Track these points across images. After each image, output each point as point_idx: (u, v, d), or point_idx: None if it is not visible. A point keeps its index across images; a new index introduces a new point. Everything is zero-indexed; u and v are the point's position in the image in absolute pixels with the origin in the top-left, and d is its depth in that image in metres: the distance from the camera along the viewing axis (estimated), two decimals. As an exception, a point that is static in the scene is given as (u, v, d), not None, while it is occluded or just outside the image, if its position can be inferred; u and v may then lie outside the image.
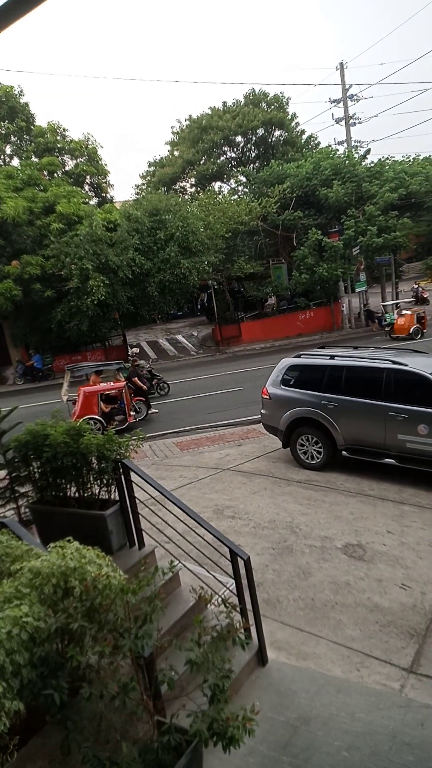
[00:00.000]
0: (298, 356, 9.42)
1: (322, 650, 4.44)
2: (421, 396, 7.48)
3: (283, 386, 9.11)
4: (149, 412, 13.85)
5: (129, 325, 28.92)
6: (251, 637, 4.01)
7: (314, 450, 8.69)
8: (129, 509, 4.48)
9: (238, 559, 3.94)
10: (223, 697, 2.59)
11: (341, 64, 31.59)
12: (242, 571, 3.96)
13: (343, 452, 8.40)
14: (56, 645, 2.63)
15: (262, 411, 9.54)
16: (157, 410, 14.19)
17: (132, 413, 13.37)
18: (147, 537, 4.62)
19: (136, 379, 14.07)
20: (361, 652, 4.38)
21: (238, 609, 3.10)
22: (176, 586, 4.42)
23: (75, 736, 2.56)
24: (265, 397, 9.38)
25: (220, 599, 3.10)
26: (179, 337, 32.31)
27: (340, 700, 3.74)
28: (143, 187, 38.55)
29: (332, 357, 8.81)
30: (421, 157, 32.22)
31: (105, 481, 4.53)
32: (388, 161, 29.43)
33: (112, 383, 13.41)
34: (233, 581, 4.00)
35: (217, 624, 2.94)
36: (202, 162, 36.63)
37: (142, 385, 14.03)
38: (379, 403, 7.87)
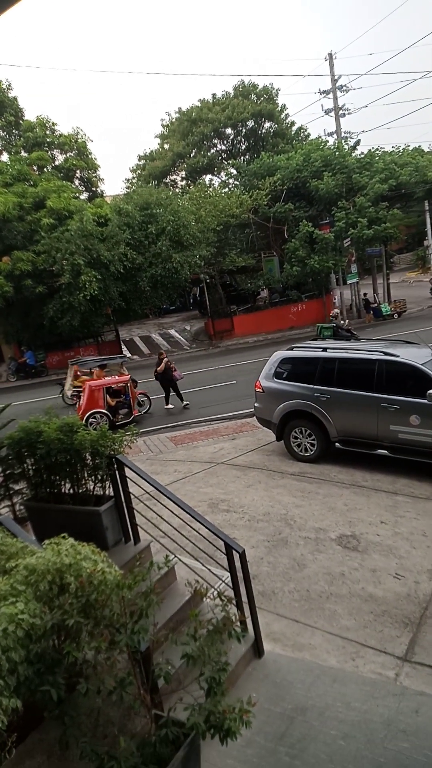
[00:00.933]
0: (291, 349, 9.44)
1: (317, 641, 4.48)
2: (413, 386, 7.52)
3: (276, 379, 9.13)
4: (184, 404, 13.87)
5: (121, 321, 28.83)
6: (247, 629, 4.03)
7: (308, 442, 8.73)
8: (124, 505, 4.49)
9: (234, 552, 3.96)
10: (219, 689, 2.62)
11: (330, 54, 31.46)
12: (237, 564, 3.98)
13: (337, 444, 8.44)
14: (52, 641, 2.64)
15: (256, 404, 9.56)
16: (188, 402, 14.06)
17: (136, 407, 13.56)
18: (142, 532, 4.63)
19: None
20: (356, 642, 4.42)
21: (233, 602, 3.13)
22: (172, 581, 4.44)
23: (73, 732, 2.57)
24: (258, 390, 9.40)
25: (215, 592, 3.12)
26: (172, 332, 32.25)
27: (336, 689, 3.78)
28: (134, 180, 38.36)
29: (324, 349, 8.83)
30: (410, 148, 32.20)
31: (99, 477, 4.53)
32: (378, 152, 29.40)
33: (116, 377, 13.55)
34: (229, 574, 4.02)
35: (213, 617, 2.96)
36: (192, 155, 36.47)
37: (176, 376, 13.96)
38: (372, 394, 7.91)
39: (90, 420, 12.46)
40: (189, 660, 2.67)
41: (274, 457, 9.20)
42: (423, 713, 3.53)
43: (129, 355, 18.50)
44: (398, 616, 4.70)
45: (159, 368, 13.65)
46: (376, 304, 28.90)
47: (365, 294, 30.00)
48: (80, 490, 4.61)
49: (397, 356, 7.89)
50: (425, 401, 7.25)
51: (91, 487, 4.60)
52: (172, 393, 13.95)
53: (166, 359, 13.73)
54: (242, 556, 3.98)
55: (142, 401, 14.08)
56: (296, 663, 4.12)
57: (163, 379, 13.78)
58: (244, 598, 4.00)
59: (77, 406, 13.07)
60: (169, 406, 13.94)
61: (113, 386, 13.15)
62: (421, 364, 7.58)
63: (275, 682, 3.87)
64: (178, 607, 4.09)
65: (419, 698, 3.70)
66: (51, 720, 2.71)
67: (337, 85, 31.71)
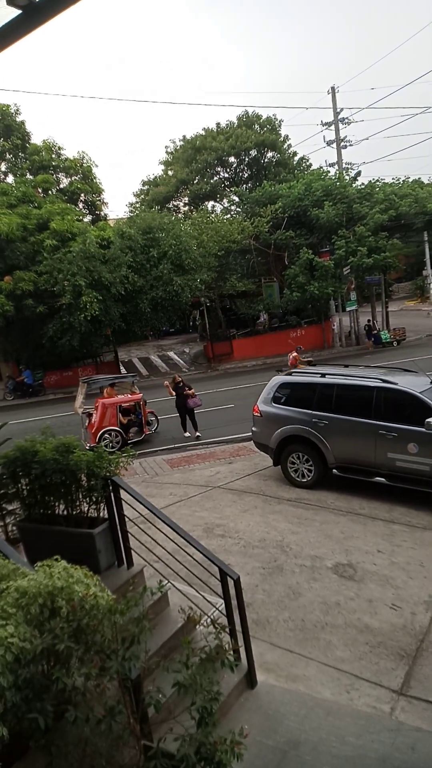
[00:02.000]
0: (290, 374, 9.46)
1: (311, 672, 4.39)
2: (411, 414, 7.52)
3: (274, 404, 9.13)
4: (196, 435, 13.04)
5: (121, 342, 28.96)
6: (240, 658, 3.96)
7: (305, 468, 8.68)
8: (118, 527, 4.44)
9: (228, 578, 3.91)
10: (211, 720, 2.55)
11: (333, 88, 32.34)
12: (232, 591, 3.93)
13: (334, 470, 8.40)
14: (42, 666, 2.59)
15: (253, 428, 9.54)
16: (200, 434, 13.16)
17: (146, 426, 13.64)
18: (136, 556, 4.58)
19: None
20: (351, 674, 4.33)
21: (227, 630, 3.07)
22: (165, 607, 4.37)
23: (59, 763, 2.50)
24: (256, 414, 9.39)
25: (209, 620, 3.07)
26: (171, 354, 32.35)
27: (330, 723, 3.69)
28: (137, 205, 38.94)
29: (323, 375, 8.86)
30: (410, 180, 32.87)
31: (94, 499, 4.49)
32: (378, 183, 30.00)
33: (128, 395, 13.61)
34: (223, 601, 3.96)
35: (206, 645, 2.91)
36: (195, 181, 37.14)
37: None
38: (370, 421, 7.90)
39: (104, 437, 12.61)
40: (180, 689, 2.61)
41: (270, 482, 9.15)
42: (419, 750, 3.44)
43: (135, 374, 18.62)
44: (394, 648, 4.61)
45: (169, 390, 12.98)
46: (376, 331, 29.14)
47: (368, 321, 30.24)
48: (74, 512, 4.57)
49: (396, 384, 7.91)
50: (423, 429, 7.24)
51: (86, 509, 4.55)
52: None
53: (179, 381, 13.01)
54: (237, 583, 3.92)
55: (151, 420, 14.10)
56: (290, 694, 4.03)
57: (177, 404, 13.02)
58: (238, 627, 3.93)
59: (88, 423, 13.13)
60: (187, 434, 13.11)
61: (124, 404, 13.26)
62: (420, 393, 7.60)
63: (268, 713, 3.78)
64: (171, 634, 4.01)
65: (415, 734, 3.61)
66: (37, 750, 2.63)
67: (339, 117, 32.52)
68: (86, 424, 13.23)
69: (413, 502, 7.63)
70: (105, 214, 32.03)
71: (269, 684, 4.16)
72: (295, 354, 18.06)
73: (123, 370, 27.34)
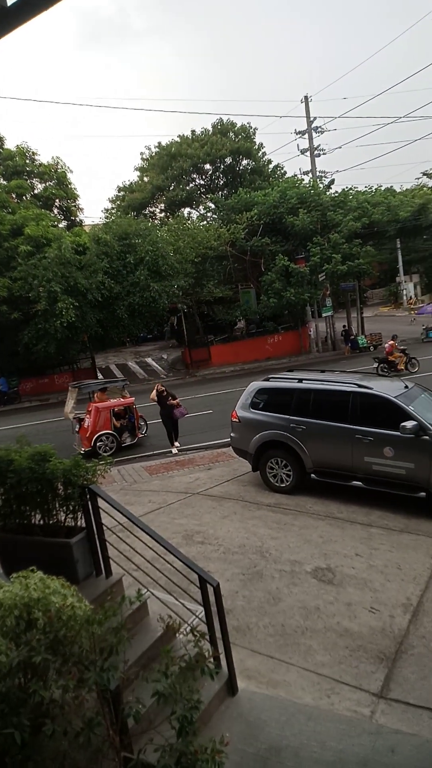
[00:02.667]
0: (267, 379, 9.51)
1: (292, 677, 4.39)
2: (386, 419, 7.62)
3: (252, 409, 9.16)
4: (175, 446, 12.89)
5: (98, 348, 28.75)
6: (221, 666, 3.93)
7: (283, 473, 8.72)
8: (96, 536, 4.39)
9: (208, 585, 3.89)
10: (191, 729, 2.53)
11: (306, 97, 32.78)
12: (212, 598, 3.91)
13: (312, 475, 8.45)
14: (18, 680, 2.53)
15: (232, 434, 9.55)
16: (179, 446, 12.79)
17: (138, 429, 13.69)
18: (114, 565, 4.52)
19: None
20: (332, 678, 4.35)
21: (207, 637, 3.05)
22: (144, 616, 4.32)
23: (36, 778, 2.44)
24: (234, 420, 9.41)
25: (188, 628, 3.05)
26: (149, 360, 32.24)
27: (311, 728, 3.69)
28: (113, 211, 38.80)
29: (300, 380, 8.92)
30: (383, 188, 33.50)
31: (71, 508, 4.43)
32: (351, 191, 30.48)
33: (120, 399, 13.65)
34: (202, 609, 3.94)
35: (186, 653, 2.88)
36: (171, 188, 37.21)
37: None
38: (346, 426, 7.98)
39: (98, 442, 12.70)
40: (160, 698, 2.58)
41: (249, 487, 9.16)
42: (399, 752, 3.46)
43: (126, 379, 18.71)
44: (373, 652, 4.65)
45: (151, 396, 12.60)
46: (353, 337, 29.56)
47: (344, 326, 30.67)
48: (51, 521, 4.50)
49: (371, 388, 8.01)
50: (398, 433, 7.34)
51: (63, 518, 4.49)
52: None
53: (162, 390, 12.48)
54: (216, 589, 3.90)
55: (141, 424, 14.11)
56: (271, 701, 4.02)
57: (162, 415, 12.50)
58: (218, 634, 3.91)
59: (80, 428, 13.16)
60: (174, 450, 12.45)
61: (116, 409, 13.30)
62: (394, 397, 7.71)
63: (249, 720, 3.76)
64: (150, 643, 3.97)
65: (395, 737, 3.63)
66: (13, 766, 2.57)
67: (313, 126, 32.97)
68: (77, 429, 13.27)
69: (390, 506, 7.72)
70: (80, 220, 31.83)
71: (250, 690, 4.14)
72: (391, 342, 19.74)
73: (100, 377, 27.13)
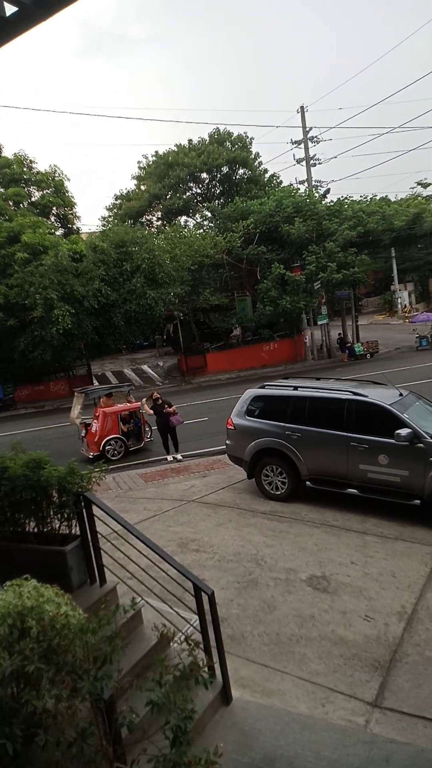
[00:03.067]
0: (263, 387, 9.53)
1: (287, 686, 4.37)
2: (381, 426, 7.64)
3: (247, 417, 9.17)
4: (175, 455, 12.57)
5: (94, 355, 28.73)
6: (215, 675, 3.92)
7: (279, 481, 8.72)
8: (90, 544, 4.37)
9: (202, 594, 3.88)
10: (185, 739, 2.52)
11: (302, 107, 33.08)
12: (206, 606, 3.90)
13: (307, 483, 8.45)
14: (11, 689, 2.51)
15: (227, 441, 9.55)
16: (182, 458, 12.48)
17: (144, 434, 13.86)
18: (109, 573, 4.51)
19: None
20: (326, 687, 4.33)
21: (201, 646, 3.05)
22: (138, 624, 4.30)
23: (29, 789, 2.42)
24: (230, 427, 9.41)
25: (183, 636, 3.04)
26: (145, 367, 32.23)
27: (306, 737, 3.67)
28: (110, 219, 38.96)
29: (296, 388, 8.94)
30: (377, 198, 33.78)
31: (65, 515, 4.42)
32: (346, 201, 30.71)
33: (127, 404, 13.84)
34: (197, 617, 3.93)
35: (180, 662, 2.88)
36: (168, 197, 37.41)
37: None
38: (341, 433, 8.00)
39: (107, 446, 12.87)
40: (154, 708, 2.57)
41: (245, 495, 9.15)
42: (393, 761, 3.45)
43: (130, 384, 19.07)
44: (368, 660, 4.64)
45: (146, 409, 12.51)
46: (350, 344, 29.72)
47: (340, 334, 30.85)
48: (45, 529, 4.48)
49: (366, 396, 8.04)
50: (393, 441, 7.36)
51: (57, 526, 4.47)
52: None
53: (157, 398, 12.43)
54: (211, 598, 3.90)
55: (146, 429, 14.22)
56: (265, 710, 4.00)
57: (158, 424, 12.33)
58: (213, 643, 3.90)
59: (87, 433, 13.31)
60: (170, 457, 12.32)
61: (123, 413, 13.46)
62: (389, 405, 7.74)
63: (243, 730, 3.74)
64: (144, 652, 3.95)
65: (389, 746, 3.62)
66: (5, 777, 2.55)
67: (309, 136, 33.26)
68: (83, 434, 13.44)
69: (385, 513, 7.72)
70: (77, 228, 31.93)
71: (244, 700, 4.12)
72: None
73: (96, 384, 27.10)
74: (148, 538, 4.21)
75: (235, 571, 6.35)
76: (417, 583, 5.87)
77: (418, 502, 7.37)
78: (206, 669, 3.02)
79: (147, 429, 14.24)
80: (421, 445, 7.26)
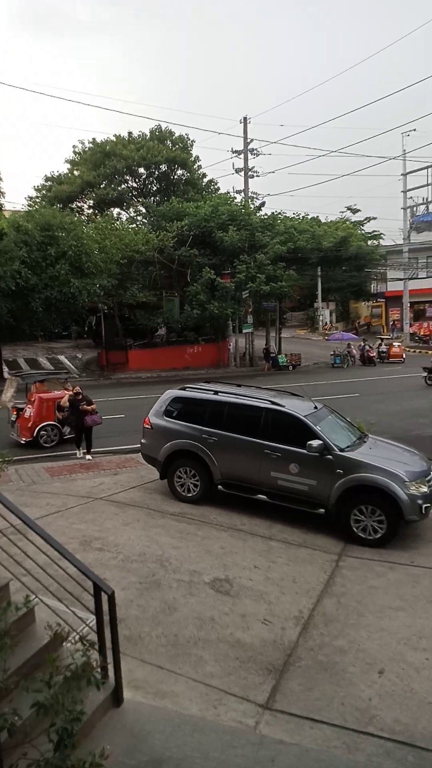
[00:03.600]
0: (183, 389, 9.50)
1: (180, 688, 4.34)
2: (295, 436, 7.86)
3: (165, 417, 9.09)
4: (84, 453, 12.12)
5: (6, 339, 27.33)
6: (108, 676, 3.80)
7: (191, 483, 8.71)
8: (-15, 537, 4.10)
9: (102, 594, 3.75)
10: (70, 742, 2.40)
11: (245, 118, 33.69)
12: (105, 606, 3.77)
13: (219, 486, 8.51)
14: None
15: (143, 441, 9.41)
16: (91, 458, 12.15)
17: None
18: (2, 569, 4.24)
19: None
20: (220, 689, 4.34)
21: (96, 647, 2.93)
22: (30, 623, 4.08)
23: None
24: (146, 426, 9.28)
25: (77, 636, 2.91)
26: (62, 358, 31.16)
27: (195, 739, 3.65)
28: (37, 200, 37.34)
29: (216, 392, 8.99)
30: (309, 217, 35.05)
31: (-39, 505, 4.11)
32: (280, 216, 31.61)
33: (64, 392, 13.09)
34: (94, 617, 3.79)
35: (72, 663, 2.75)
36: (102, 186, 36.52)
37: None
38: (256, 440, 8.14)
39: (41, 432, 12.41)
40: (40, 709, 2.43)
41: (156, 495, 9.05)
42: (279, 762, 3.51)
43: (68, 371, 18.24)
44: (263, 663, 4.71)
45: (63, 402, 11.98)
46: (274, 355, 30.55)
47: (266, 344, 31.71)
48: None
49: (283, 406, 8.24)
50: (305, 451, 7.60)
51: None
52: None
53: (78, 392, 11.84)
54: (111, 598, 3.78)
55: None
56: (157, 711, 3.94)
57: (72, 421, 11.91)
58: (109, 643, 3.78)
59: (19, 418, 12.78)
60: (81, 452, 11.86)
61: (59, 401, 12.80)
62: (304, 416, 7.98)
63: (133, 732, 3.65)
64: (34, 652, 3.74)
65: (276, 747, 3.69)
66: None
67: (249, 148, 33.89)
68: (14, 418, 12.98)
69: (291, 520, 7.94)
70: (1, 204, 30.34)
71: (137, 701, 4.03)
72: None
73: (5, 369, 25.79)
74: (48, 534, 4.01)
75: (139, 572, 6.24)
76: (315, 589, 6.07)
77: (323, 511, 7.64)
78: (99, 669, 2.91)
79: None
80: (330, 456, 7.55)
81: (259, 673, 4.57)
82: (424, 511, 7.28)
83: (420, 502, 7.21)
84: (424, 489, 7.34)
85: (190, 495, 8.71)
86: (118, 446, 12.56)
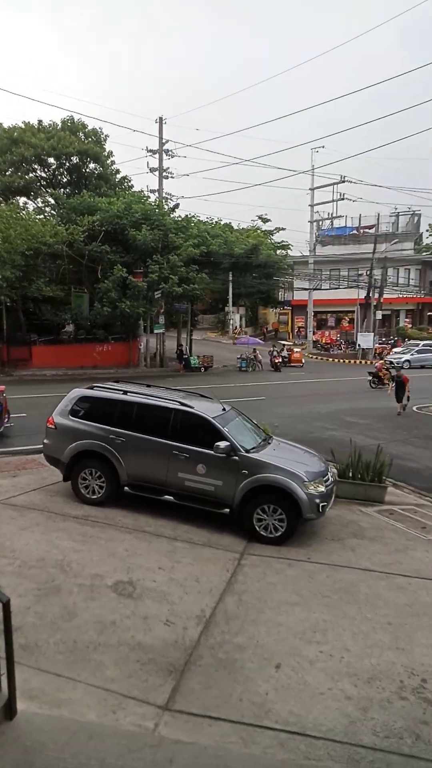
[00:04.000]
0: (91, 388, 9.27)
1: (78, 695, 4.22)
2: (203, 437, 7.95)
3: (71, 417, 8.81)
4: None
5: None
6: (0, 688, 3.62)
7: (96, 485, 8.51)
8: None
9: (-4, 600, 3.56)
10: None
11: (161, 119, 33.62)
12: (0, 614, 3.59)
13: (126, 488, 8.40)
14: None
15: (45, 441, 9.05)
16: None
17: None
18: None
19: None
20: (119, 693, 4.28)
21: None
22: None
23: None
24: (50, 426, 8.94)
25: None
26: (-42, 353, 29.13)
27: (92, 746, 3.57)
28: None
29: (125, 392, 8.87)
30: (222, 222, 35.68)
31: None
32: (194, 219, 31.89)
33: None
34: (-13, 626, 3.59)
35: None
36: (8, 173, 34.65)
37: None
38: (165, 441, 8.13)
39: None
40: None
41: (58, 498, 8.74)
42: (177, 762, 3.53)
43: None
44: (164, 664, 4.71)
45: None
46: (187, 356, 30.75)
47: (180, 345, 31.87)
48: None
49: (192, 407, 8.31)
50: (212, 452, 7.71)
51: None
52: None
53: None
54: (6, 606, 3.60)
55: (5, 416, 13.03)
56: (52, 721, 3.81)
57: None
58: (2, 653, 3.60)
59: None
60: None
61: None
62: (212, 418, 8.10)
63: (25, 745, 3.50)
64: None
65: (174, 747, 3.70)
66: None
67: (164, 148, 33.82)
68: None
69: (196, 521, 8.02)
70: None
71: (31, 712, 3.87)
72: (380, 362, 27.13)
73: None
74: None
75: (37, 578, 5.99)
76: (218, 587, 6.18)
77: (227, 510, 7.80)
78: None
79: (6, 415, 13.24)
80: (236, 458, 7.73)
81: (159, 674, 4.57)
82: (321, 510, 7.68)
83: (318, 501, 7.59)
84: (322, 488, 7.74)
85: (95, 497, 8.51)
86: (19, 447, 11.98)
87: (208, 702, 4.29)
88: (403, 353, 36.16)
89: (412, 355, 35.10)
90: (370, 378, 25.32)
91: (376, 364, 26.70)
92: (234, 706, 4.27)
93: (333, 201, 44.41)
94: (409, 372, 24.25)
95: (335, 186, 42.22)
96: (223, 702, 4.30)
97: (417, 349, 36.56)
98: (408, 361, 33.20)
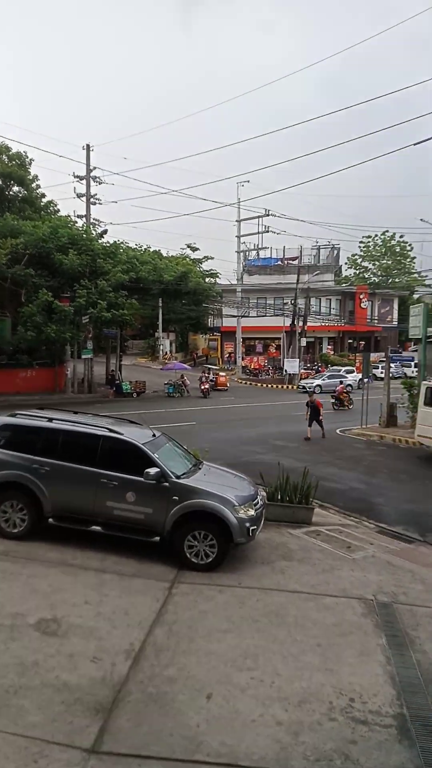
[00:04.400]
0: (13, 415, 8.89)
1: (-3, 746, 3.93)
2: (133, 464, 7.80)
3: (-9, 446, 8.37)
4: None
5: None
6: None
7: (18, 517, 8.09)
8: None
9: None
10: None
11: (88, 145, 33.64)
12: None
13: (50, 520, 8.05)
14: None
15: (-38, 472, 8.52)
16: None
17: None
18: None
19: None
20: (41, 740, 4.03)
21: None
22: None
23: None
24: (-33, 456, 8.44)
25: None
26: None
27: (12, 802, 3.32)
28: None
29: (50, 420, 8.58)
30: (151, 249, 35.94)
31: None
32: (123, 245, 31.92)
33: None
34: None
35: None
36: None
37: None
38: (92, 469, 7.90)
39: None
40: None
41: (-24, 533, 8.21)
42: (104, 808, 3.35)
43: None
44: (91, 703, 4.49)
45: None
46: (118, 381, 30.30)
47: (111, 371, 31.40)
48: None
49: (122, 434, 8.17)
50: (142, 479, 7.58)
51: None
52: None
53: None
54: None
55: None
56: (-33, 779, 3.51)
57: None
58: None
59: None
60: None
61: None
62: (142, 444, 7.99)
63: None
64: None
65: (102, 792, 3.52)
66: None
67: (92, 175, 33.78)
68: None
69: (125, 551, 7.79)
70: None
71: None
72: (341, 386, 29.39)
73: None
74: None
75: None
76: (147, 619, 6.01)
77: (158, 538, 7.66)
78: None
79: None
80: (167, 484, 7.64)
81: (86, 715, 4.35)
82: (251, 534, 7.71)
83: (248, 525, 7.62)
84: (252, 512, 7.80)
85: (15, 531, 8.08)
86: None
87: (138, 740, 4.13)
88: (314, 379, 38.16)
89: (323, 380, 37.05)
90: (333, 401, 26.85)
91: (337, 388, 28.52)
92: (165, 741, 4.13)
93: (258, 233, 46.16)
94: (321, 396, 25.85)
95: (260, 219, 43.89)
96: (154, 739, 4.16)
97: (327, 375, 38.93)
98: (319, 385, 34.97)
